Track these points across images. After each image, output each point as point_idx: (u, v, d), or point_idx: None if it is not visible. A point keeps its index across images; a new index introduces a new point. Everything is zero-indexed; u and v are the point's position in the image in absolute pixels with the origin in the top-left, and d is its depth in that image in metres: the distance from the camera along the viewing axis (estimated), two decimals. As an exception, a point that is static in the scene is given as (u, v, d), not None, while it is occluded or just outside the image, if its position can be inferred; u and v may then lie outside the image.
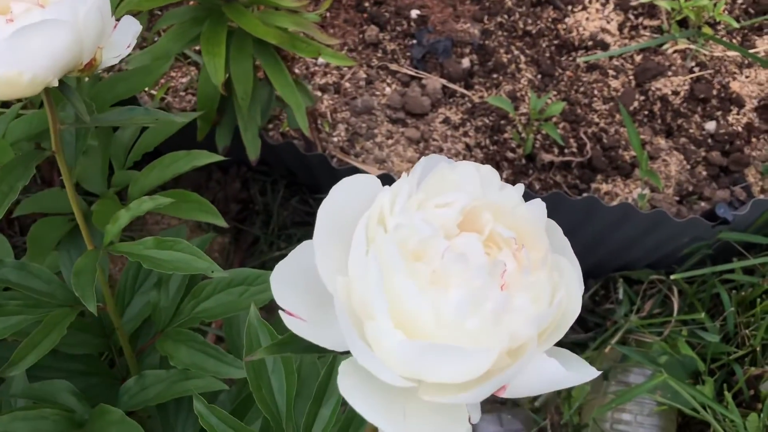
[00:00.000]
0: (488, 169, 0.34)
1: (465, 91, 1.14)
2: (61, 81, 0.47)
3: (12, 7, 0.44)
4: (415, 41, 1.18)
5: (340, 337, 0.32)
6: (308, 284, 0.33)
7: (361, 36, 1.19)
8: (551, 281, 0.31)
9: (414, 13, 1.20)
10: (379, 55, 1.17)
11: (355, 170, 0.92)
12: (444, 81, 1.14)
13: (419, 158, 1.12)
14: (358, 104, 1.12)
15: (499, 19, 1.19)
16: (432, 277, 0.29)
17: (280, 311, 0.32)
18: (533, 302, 0.30)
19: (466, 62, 1.16)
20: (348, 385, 0.30)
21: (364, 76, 1.15)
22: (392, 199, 0.31)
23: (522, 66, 1.16)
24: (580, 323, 1.08)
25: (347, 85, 1.15)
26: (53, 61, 0.44)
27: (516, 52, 1.16)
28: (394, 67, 1.17)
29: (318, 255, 0.32)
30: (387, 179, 0.92)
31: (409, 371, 0.29)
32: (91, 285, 0.50)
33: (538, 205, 0.33)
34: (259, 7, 0.80)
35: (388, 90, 1.15)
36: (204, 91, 0.76)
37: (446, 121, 1.11)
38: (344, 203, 0.33)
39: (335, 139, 1.10)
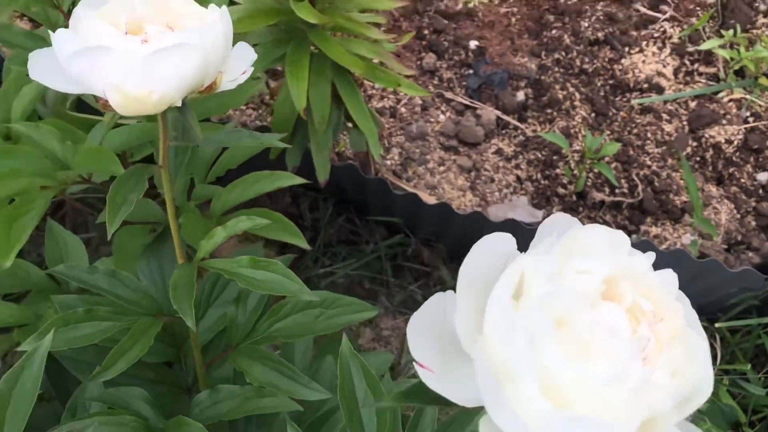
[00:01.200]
0: (620, 234, 0.35)
1: (518, 124, 1.15)
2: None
3: (146, 29, 0.46)
4: (471, 71, 1.20)
5: (471, 393, 0.32)
6: (440, 336, 0.34)
7: (418, 63, 1.20)
8: (686, 355, 0.31)
9: (473, 43, 1.21)
10: (435, 82, 1.19)
11: (414, 197, 0.93)
12: (498, 112, 1.16)
13: (470, 187, 1.14)
14: (412, 129, 1.14)
15: (556, 55, 1.20)
16: (577, 347, 0.30)
17: (414, 362, 0.33)
18: (672, 377, 0.30)
19: (521, 95, 1.18)
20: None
21: (420, 102, 1.17)
22: (535, 264, 0.32)
23: (576, 103, 1.17)
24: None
25: (403, 110, 1.16)
26: (181, 83, 0.46)
27: (571, 89, 1.18)
28: (449, 95, 1.18)
29: (458, 315, 0.32)
30: (446, 208, 0.93)
31: None
32: (190, 299, 0.51)
33: (670, 276, 0.33)
34: (335, 33, 0.81)
35: (442, 117, 1.16)
36: (281, 112, 0.77)
37: (499, 152, 1.13)
38: (483, 262, 0.34)
39: (388, 162, 1.12)
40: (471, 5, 1.26)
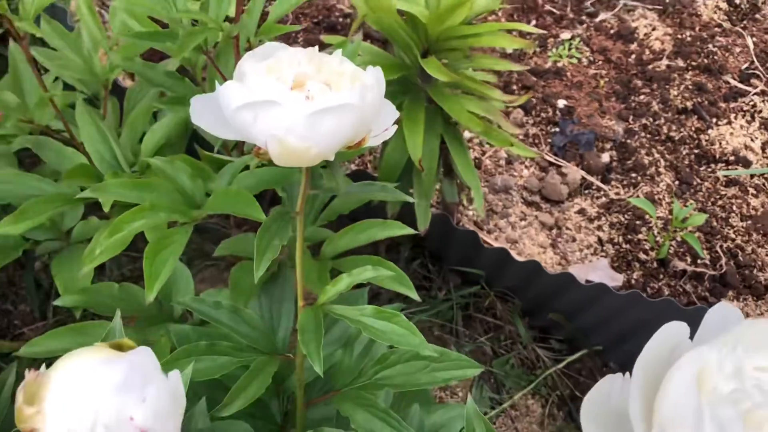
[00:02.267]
0: None
1: (602, 185, 1.16)
2: (328, 154, 0.50)
3: (308, 86, 0.48)
4: (557, 129, 1.21)
5: None
6: (607, 418, 0.35)
7: (505, 117, 1.22)
8: None
9: (561, 102, 1.23)
10: (521, 137, 1.21)
11: (503, 252, 0.94)
12: (583, 172, 1.17)
13: (551, 244, 1.14)
14: (497, 182, 1.15)
15: (643, 120, 1.21)
16: None
17: None
18: None
19: (606, 157, 1.18)
20: None
21: (505, 155, 1.19)
22: (718, 359, 0.33)
23: (661, 170, 1.17)
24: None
25: (488, 162, 1.18)
26: (338, 140, 0.48)
27: (657, 156, 1.18)
28: (534, 151, 1.19)
29: (633, 401, 0.34)
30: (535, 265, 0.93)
31: None
32: (318, 344, 0.52)
33: None
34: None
35: (526, 172, 1.17)
36: (390, 160, 0.80)
37: (581, 212, 1.13)
38: (657, 351, 0.35)
39: (470, 213, 1.13)
40: (560, 64, 1.28)
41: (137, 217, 0.58)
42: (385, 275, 0.56)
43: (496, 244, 1.04)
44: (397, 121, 0.78)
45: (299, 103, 0.47)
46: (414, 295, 0.66)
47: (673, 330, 0.36)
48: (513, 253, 0.95)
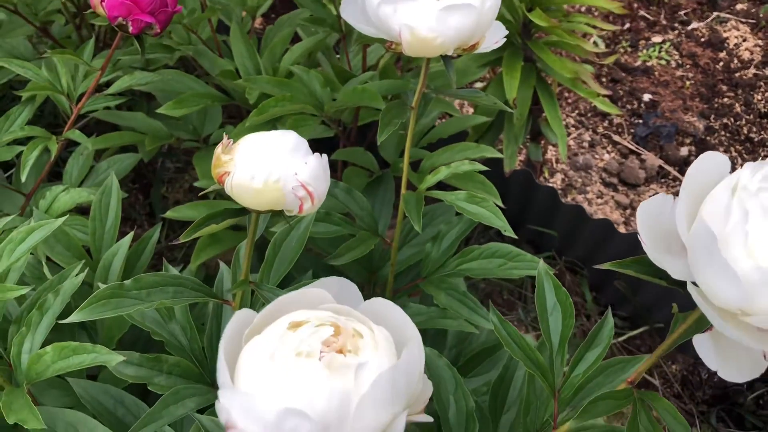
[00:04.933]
0: None
1: (679, 175, 1.23)
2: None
3: (437, -8, 0.60)
4: (641, 121, 1.29)
5: (674, 266, 0.43)
6: (655, 226, 0.45)
7: (592, 104, 1.31)
8: None
9: (646, 96, 1.31)
10: (605, 125, 1.29)
11: (580, 210, 1.03)
12: (661, 162, 1.24)
13: (624, 222, 1.21)
14: (579, 161, 1.24)
15: (725, 120, 1.28)
16: None
17: (638, 234, 0.44)
18: None
19: (684, 150, 1.25)
20: (699, 301, 0.40)
21: (588, 139, 1.27)
22: (752, 171, 0.42)
23: (738, 168, 1.23)
24: (737, 422, 1.12)
25: (572, 143, 1.27)
26: (459, 35, 0.59)
27: (734, 154, 1.24)
28: (616, 138, 1.28)
29: (679, 209, 0.43)
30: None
31: (749, 294, 0.39)
32: (419, 211, 0.63)
33: None
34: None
35: (607, 156, 1.25)
36: (485, 105, 0.90)
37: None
38: (701, 175, 0.44)
39: (550, 185, 1.22)
40: (649, 64, 1.36)
41: (279, 103, 0.70)
42: (479, 168, 0.66)
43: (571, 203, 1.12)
44: (496, 72, 0.89)
45: (431, 1, 0.58)
46: (498, 201, 0.76)
47: (718, 159, 0.44)
48: (588, 211, 1.04)
